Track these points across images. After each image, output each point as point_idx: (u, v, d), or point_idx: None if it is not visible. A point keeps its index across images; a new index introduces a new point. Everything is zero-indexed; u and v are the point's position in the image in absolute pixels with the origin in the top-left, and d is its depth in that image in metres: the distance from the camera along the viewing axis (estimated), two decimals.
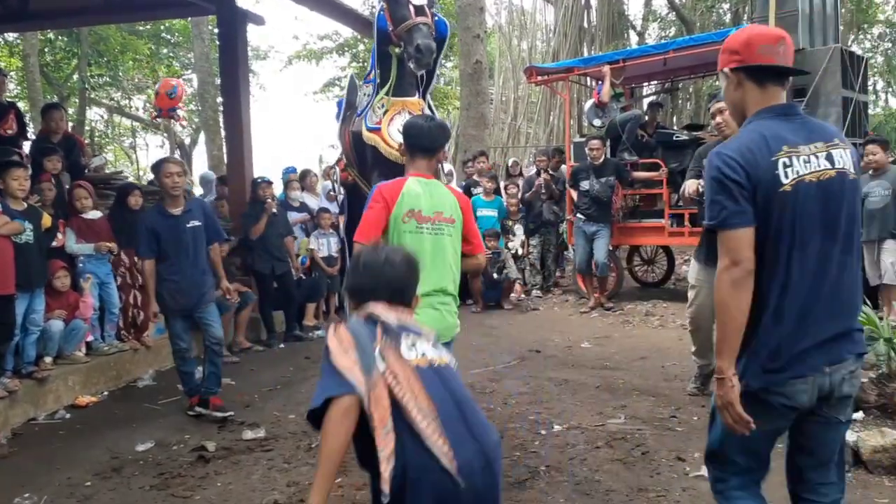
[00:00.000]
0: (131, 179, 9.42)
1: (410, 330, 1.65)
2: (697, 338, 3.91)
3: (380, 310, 1.65)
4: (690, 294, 3.86)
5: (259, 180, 6.25)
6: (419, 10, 3.24)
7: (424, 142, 2.66)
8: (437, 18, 3.40)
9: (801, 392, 1.64)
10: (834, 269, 1.66)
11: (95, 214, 4.93)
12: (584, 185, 6.76)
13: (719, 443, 1.77)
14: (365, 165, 3.48)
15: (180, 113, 8.08)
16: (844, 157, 1.69)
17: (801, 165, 1.63)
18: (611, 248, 6.90)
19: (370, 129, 3.41)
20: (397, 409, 1.49)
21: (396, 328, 1.61)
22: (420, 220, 2.60)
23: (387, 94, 3.42)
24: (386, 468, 1.43)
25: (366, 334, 1.57)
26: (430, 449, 1.45)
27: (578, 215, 6.85)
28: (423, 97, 3.55)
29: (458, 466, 1.45)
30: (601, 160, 6.68)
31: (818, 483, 1.76)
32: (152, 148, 22.94)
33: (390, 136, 3.34)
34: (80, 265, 4.81)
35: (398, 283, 1.72)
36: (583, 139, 8.12)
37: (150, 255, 3.93)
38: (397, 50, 3.32)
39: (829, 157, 1.67)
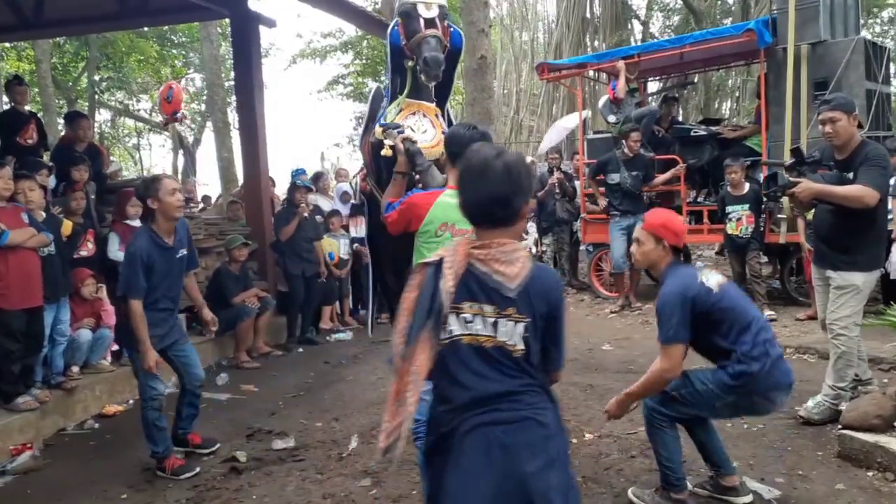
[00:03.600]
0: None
1: (481, 289, 1.52)
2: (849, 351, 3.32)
3: (449, 257, 1.54)
4: (843, 299, 3.27)
5: (299, 184, 6.32)
6: (429, 23, 3.25)
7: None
8: (452, 30, 3.40)
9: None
10: None
11: (137, 222, 4.98)
12: (615, 177, 6.63)
13: (683, 405, 2.59)
14: (381, 175, 3.47)
15: (184, 113, 8.07)
16: None
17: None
18: None
19: (382, 125, 3.42)
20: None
21: (441, 293, 1.51)
22: (455, 233, 2.58)
23: (403, 96, 3.43)
24: (384, 440, 1.57)
25: (427, 293, 1.54)
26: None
27: (612, 212, 6.73)
28: (440, 106, 3.56)
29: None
30: (634, 153, 6.57)
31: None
32: (156, 148, 23.02)
33: None
34: None
35: (490, 201, 1.56)
36: (596, 135, 8.08)
37: (143, 294, 3.21)
38: (410, 63, 3.33)
39: None
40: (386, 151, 3.12)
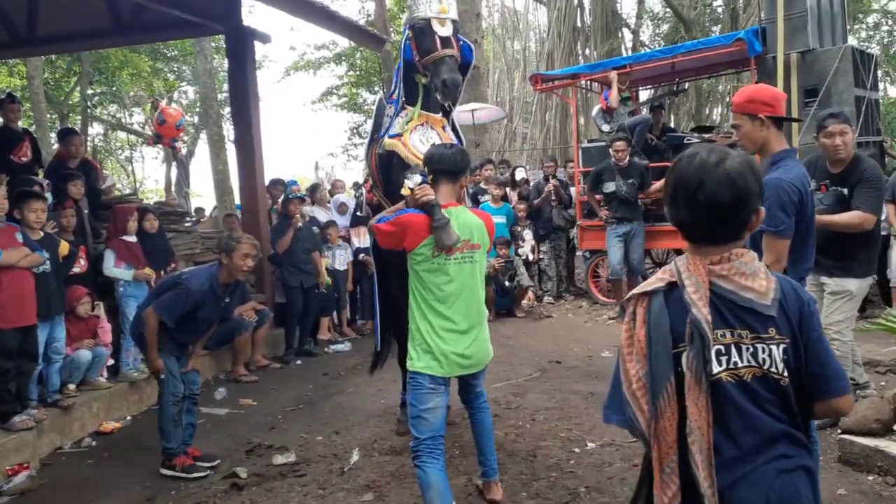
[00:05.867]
0: (137, 196, 9.45)
1: (733, 312, 1.27)
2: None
3: (687, 279, 1.28)
4: (838, 304, 3.31)
5: (291, 196, 6.32)
6: (445, 42, 3.25)
7: (447, 165, 2.70)
8: (462, 44, 3.42)
9: None
10: None
11: (133, 238, 4.97)
12: (610, 186, 6.70)
13: None
14: (389, 186, 3.49)
15: (180, 143, 8.09)
16: None
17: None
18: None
19: (391, 137, 3.46)
20: (682, 441, 1.25)
21: (701, 322, 1.24)
22: (449, 252, 2.61)
23: (416, 108, 3.47)
24: None
25: (664, 330, 1.27)
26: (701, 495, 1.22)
27: (609, 220, 6.79)
28: (447, 117, 3.59)
29: None
30: (626, 161, 6.64)
31: None
32: (148, 160, 22.96)
33: (411, 142, 3.37)
34: (121, 289, 4.86)
35: (721, 211, 1.27)
36: (591, 144, 8.13)
37: (173, 322, 3.38)
38: (424, 80, 3.34)
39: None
40: (404, 191, 3.11)
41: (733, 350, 1.26)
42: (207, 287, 3.40)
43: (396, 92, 3.56)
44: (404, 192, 3.07)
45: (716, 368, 1.26)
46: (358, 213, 6.62)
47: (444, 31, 3.25)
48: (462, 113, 10.07)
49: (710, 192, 1.27)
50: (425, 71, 3.28)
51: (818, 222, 3.18)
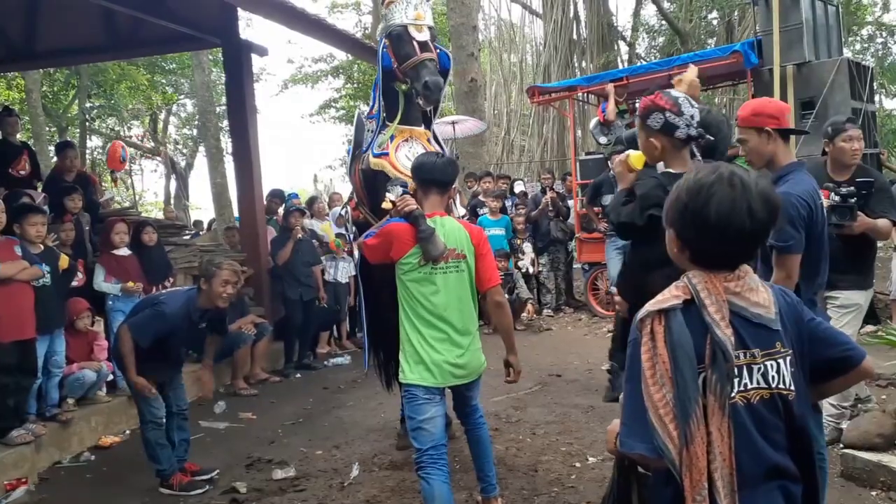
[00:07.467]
0: (136, 209, 9.46)
1: (747, 329, 1.23)
2: None
3: (705, 293, 1.23)
4: (847, 318, 3.24)
5: (292, 208, 6.34)
6: (423, 47, 3.24)
7: (436, 175, 2.69)
8: (439, 52, 3.41)
9: None
10: None
11: (125, 252, 4.95)
12: (609, 198, 6.72)
13: None
14: (376, 202, 3.46)
15: (118, 175, 8.14)
16: None
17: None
18: None
19: (377, 156, 3.42)
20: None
21: (725, 343, 1.19)
22: (435, 262, 2.59)
23: (395, 123, 3.45)
24: None
25: (689, 350, 1.20)
26: None
27: (609, 232, 6.79)
28: (429, 128, 3.57)
29: None
30: None
31: None
32: (147, 173, 22.94)
33: (398, 160, 3.34)
34: (110, 302, 4.83)
35: (750, 237, 1.23)
36: (588, 157, 8.18)
37: (147, 343, 3.30)
38: (403, 87, 3.33)
39: None
40: (386, 205, 3.09)
41: (745, 371, 1.23)
42: (183, 312, 3.29)
43: (376, 106, 3.52)
44: (386, 205, 3.05)
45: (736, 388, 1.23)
46: (343, 232, 6.63)
47: (422, 36, 3.24)
48: (444, 125, 9.53)
49: (758, 218, 1.22)
50: (405, 77, 3.26)
51: (865, 225, 3.13)
